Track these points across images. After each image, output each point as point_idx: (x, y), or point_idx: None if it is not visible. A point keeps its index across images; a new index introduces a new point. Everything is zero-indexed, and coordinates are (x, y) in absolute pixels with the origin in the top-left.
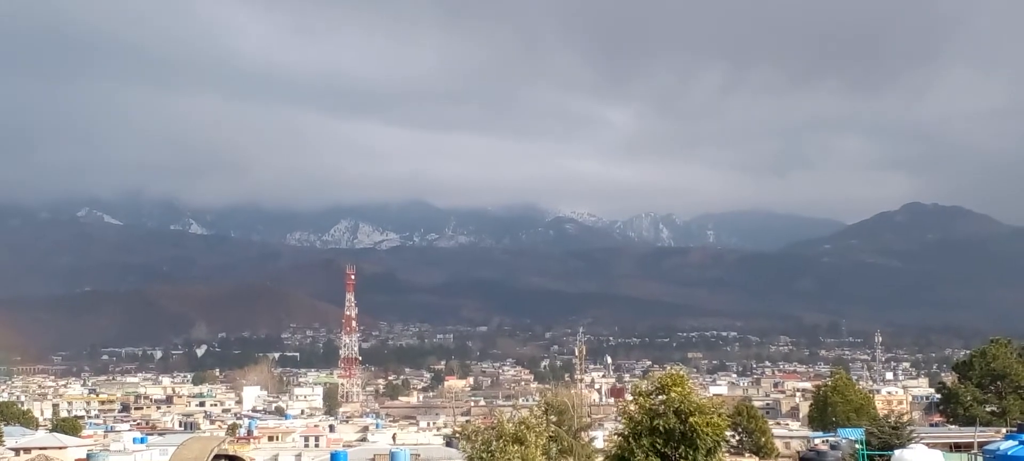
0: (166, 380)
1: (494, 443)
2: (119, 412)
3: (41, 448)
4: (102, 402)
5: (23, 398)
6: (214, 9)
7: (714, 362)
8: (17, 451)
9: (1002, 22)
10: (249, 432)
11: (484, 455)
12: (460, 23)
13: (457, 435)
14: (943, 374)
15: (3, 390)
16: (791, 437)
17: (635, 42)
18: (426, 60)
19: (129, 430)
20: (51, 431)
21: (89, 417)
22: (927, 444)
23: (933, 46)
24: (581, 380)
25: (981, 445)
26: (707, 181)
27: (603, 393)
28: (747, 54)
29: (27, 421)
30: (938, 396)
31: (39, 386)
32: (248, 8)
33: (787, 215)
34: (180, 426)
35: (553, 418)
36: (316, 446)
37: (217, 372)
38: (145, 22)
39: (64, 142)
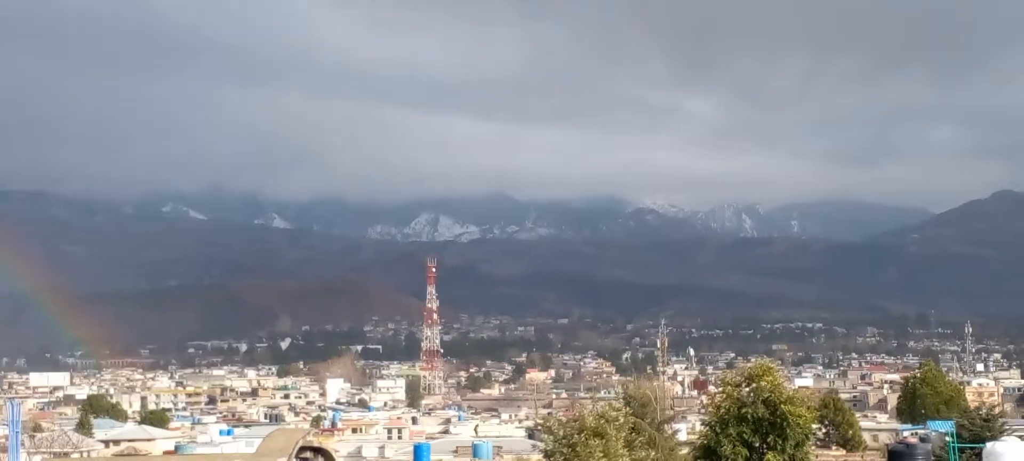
0: (251, 373)
1: (575, 437)
2: (205, 404)
3: (130, 440)
4: (189, 395)
5: (112, 391)
6: (296, 5)
7: (799, 354)
8: (107, 443)
9: None
10: (333, 424)
11: (565, 449)
12: (541, 16)
13: (538, 428)
14: None
15: (92, 383)
16: (879, 429)
17: (717, 32)
18: (507, 54)
19: (215, 422)
20: (139, 424)
21: (176, 410)
22: (1020, 436)
23: None
24: (663, 372)
25: None
26: (791, 171)
27: (685, 385)
28: (831, 41)
29: (116, 414)
30: None
31: (127, 379)
32: (329, 3)
33: (873, 204)
34: (265, 418)
35: (634, 410)
36: (399, 438)
37: (301, 365)
38: (229, 19)
39: (150, 138)
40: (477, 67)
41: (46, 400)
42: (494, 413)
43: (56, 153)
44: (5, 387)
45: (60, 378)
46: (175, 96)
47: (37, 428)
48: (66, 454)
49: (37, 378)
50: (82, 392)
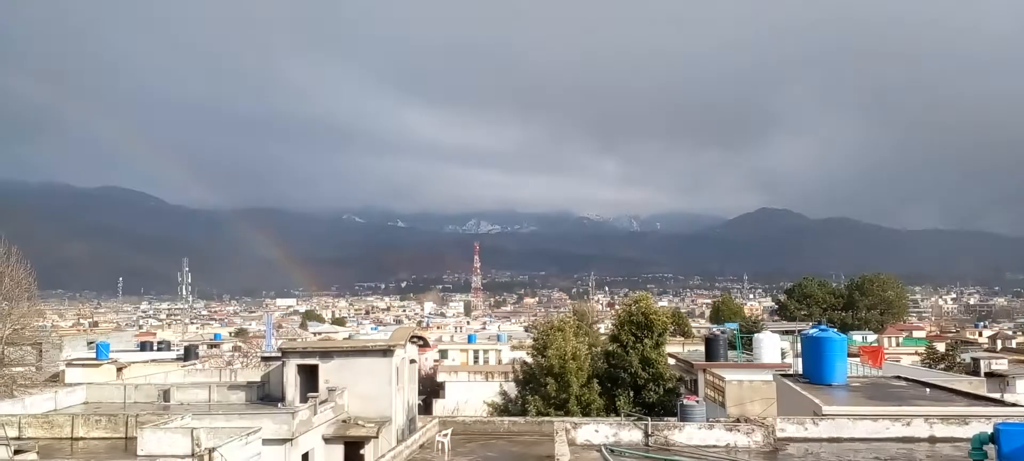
0: (387, 299)
1: (548, 331)
2: (364, 315)
3: (326, 332)
4: (355, 310)
5: (317, 308)
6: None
7: (660, 291)
8: (314, 333)
9: None
10: (427, 324)
11: (543, 336)
12: (533, 119)
13: (529, 328)
14: None
15: (308, 304)
16: (700, 327)
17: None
18: (510, 136)
19: (369, 323)
20: (331, 324)
21: (350, 318)
22: (770, 331)
23: None
24: (592, 299)
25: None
26: (655, 197)
27: (603, 305)
28: (675, 130)
29: (320, 320)
30: None
31: (325, 302)
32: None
33: (696, 213)
34: (394, 322)
35: (578, 318)
36: (460, 332)
37: (411, 295)
38: (373, 114)
39: (332, 179)
40: (498, 144)
41: (284, 312)
42: (508, 319)
43: (283, 187)
44: (265, 305)
45: (292, 302)
46: (338, 159)
47: (280, 326)
48: (293, 339)
49: (281, 301)
50: (304, 308)
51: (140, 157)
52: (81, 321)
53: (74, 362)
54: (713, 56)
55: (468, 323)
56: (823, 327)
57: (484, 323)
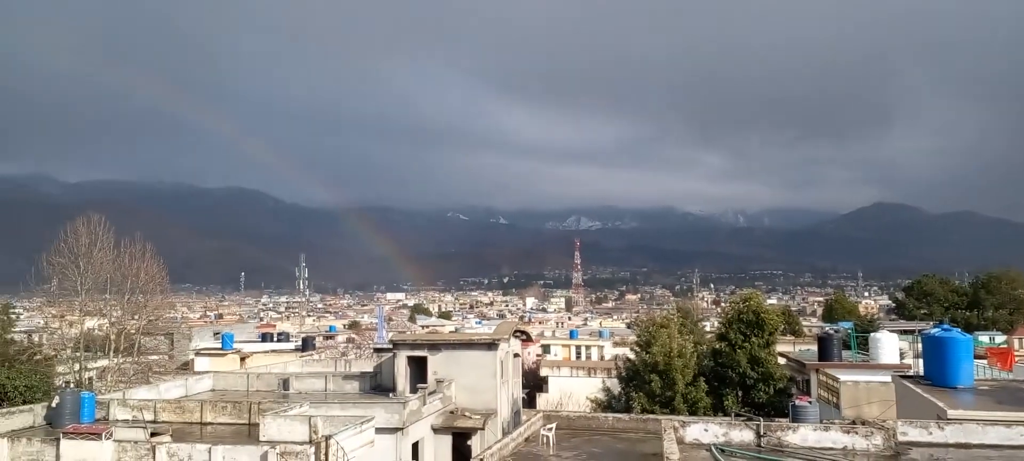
0: (490, 294)
1: (651, 327)
2: (468, 309)
3: (433, 325)
4: (460, 304)
5: (425, 302)
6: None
7: (768, 288)
8: (422, 327)
9: None
10: (529, 319)
11: (646, 333)
12: (630, 115)
13: (632, 324)
14: None
15: (416, 298)
16: (812, 327)
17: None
18: (608, 134)
19: (473, 318)
20: (437, 318)
21: (455, 311)
22: (887, 330)
23: None
24: (697, 296)
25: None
26: (761, 192)
27: (708, 303)
28: (774, 121)
29: (427, 313)
30: None
31: (432, 296)
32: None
33: (808, 209)
34: (497, 316)
35: (682, 314)
36: (561, 327)
37: (513, 291)
38: (476, 115)
39: (438, 179)
40: (593, 142)
41: (393, 306)
42: (609, 315)
43: (396, 186)
44: (376, 299)
45: (401, 296)
46: (448, 159)
47: (390, 319)
48: (403, 332)
49: (391, 295)
50: (412, 302)
51: (259, 159)
52: (207, 313)
53: (202, 351)
54: (823, 44)
55: (569, 319)
56: (946, 327)
57: (585, 319)
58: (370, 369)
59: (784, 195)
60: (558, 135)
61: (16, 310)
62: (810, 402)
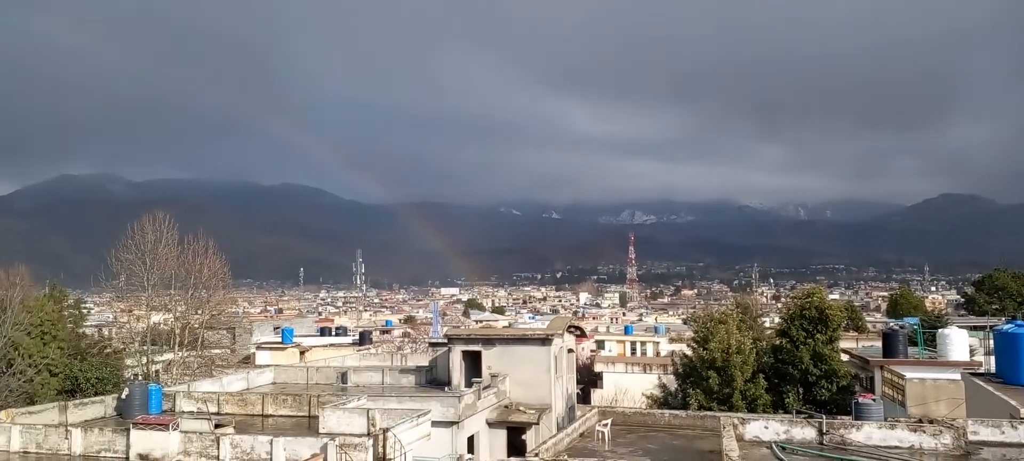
0: (543, 289)
1: (709, 322)
2: (522, 304)
3: (487, 320)
4: (514, 299)
5: (478, 297)
6: None
7: (830, 282)
8: (476, 322)
9: None
10: (582, 315)
11: (704, 329)
12: (694, 99)
13: (689, 319)
14: None
15: (470, 293)
16: (876, 322)
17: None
18: (669, 124)
19: (527, 313)
20: (491, 313)
21: (508, 306)
22: (957, 326)
23: None
24: (755, 291)
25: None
26: (822, 184)
27: (768, 298)
28: (833, 113)
29: (481, 308)
30: None
31: (485, 292)
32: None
33: (870, 201)
34: (550, 312)
35: (741, 310)
36: (615, 323)
37: (567, 286)
38: (522, 109)
39: (493, 173)
40: (655, 133)
41: (448, 300)
42: (665, 311)
43: (451, 181)
44: (431, 294)
45: (455, 291)
46: (504, 154)
47: (445, 314)
48: (457, 326)
49: (445, 291)
50: (465, 297)
51: (317, 157)
52: (268, 308)
53: (263, 345)
54: (886, 31)
55: (623, 314)
56: (1019, 322)
57: (640, 314)
58: (425, 363)
59: (847, 187)
60: (613, 129)
61: (87, 305)
62: (874, 400)
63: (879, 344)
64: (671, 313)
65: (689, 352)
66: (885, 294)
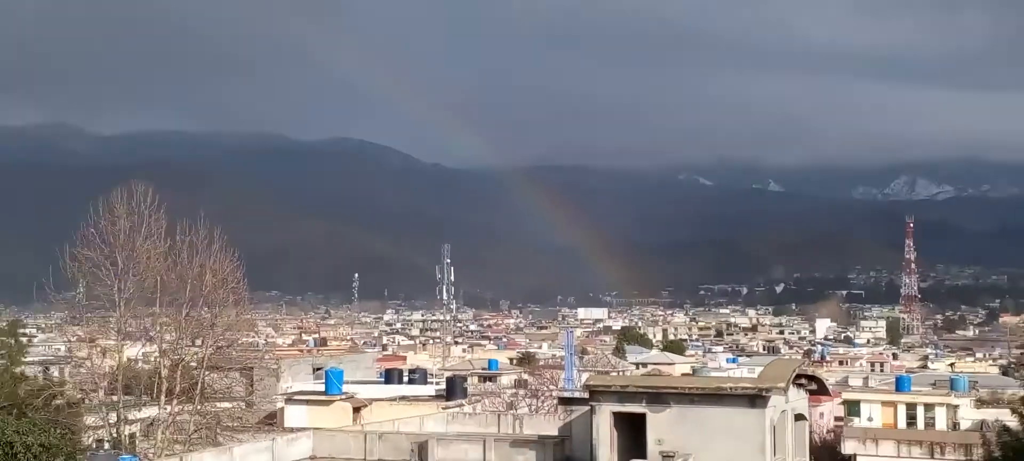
0: (751, 312)
1: None
2: (713, 337)
3: (655, 363)
4: (700, 329)
5: (640, 324)
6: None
7: None
8: (637, 365)
9: None
10: (822, 357)
11: None
12: None
13: (1013, 366)
14: None
15: (625, 317)
16: None
17: None
18: (975, 30)
19: (722, 352)
20: (662, 350)
21: (690, 340)
22: None
23: None
24: None
25: None
26: None
27: None
28: None
29: (644, 342)
30: None
31: (651, 315)
32: None
33: None
34: (763, 350)
35: None
36: (880, 371)
37: (793, 306)
38: (727, 12)
39: (666, 119)
40: (948, 43)
41: (590, 330)
42: (969, 352)
43: (592, 134)
44: (560, 319)
45: (600, 313)
46: (681, 82)
47: (584, 351)
48: (605, 372)
49: (583, 313)
50: (617, 324)
51: (380, 95)
52: (304, 336)
53: (296, 397)
54: None
55: (894, 357)
56: None
57: (925, 357)
58: (554, 431)
59: None
60: (875, 37)
61: (27, 330)
62: None
63: None
64: (979, 355)
65: (1015, 423)
66: None
